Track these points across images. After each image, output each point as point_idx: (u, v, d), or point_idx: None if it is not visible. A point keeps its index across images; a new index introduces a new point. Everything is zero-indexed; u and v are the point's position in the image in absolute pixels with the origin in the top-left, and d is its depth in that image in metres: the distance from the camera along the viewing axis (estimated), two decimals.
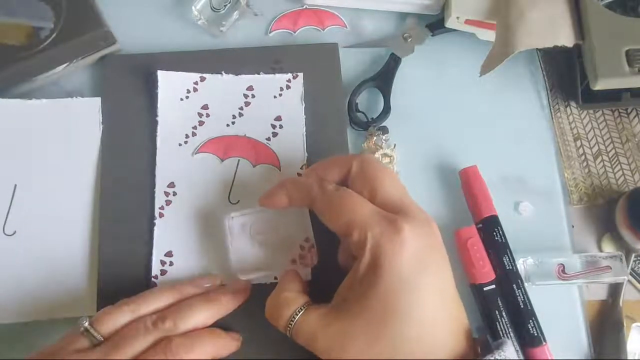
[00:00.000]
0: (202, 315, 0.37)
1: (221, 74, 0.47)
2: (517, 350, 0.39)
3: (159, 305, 0.38)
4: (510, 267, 0.41)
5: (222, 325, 0.39)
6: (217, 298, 0.38)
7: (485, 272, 0.40)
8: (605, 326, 0.43)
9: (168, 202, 0.44)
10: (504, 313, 0.40)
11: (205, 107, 0.46)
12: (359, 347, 0.32)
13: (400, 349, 0.32)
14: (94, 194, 0.44)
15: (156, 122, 0.45)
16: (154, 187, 0.44)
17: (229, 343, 0.38)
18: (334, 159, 0.39)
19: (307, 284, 0.38)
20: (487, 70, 0.44)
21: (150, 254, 0.42)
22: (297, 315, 0.35)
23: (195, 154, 0.45)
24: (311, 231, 0.42)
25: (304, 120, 0.46)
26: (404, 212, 0.34)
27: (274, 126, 0.46)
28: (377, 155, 0.45)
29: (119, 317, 0.36)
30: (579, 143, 0.48)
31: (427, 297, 0.33)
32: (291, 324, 0.35)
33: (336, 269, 0.38)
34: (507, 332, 0.39)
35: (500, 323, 0.39)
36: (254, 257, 0.41)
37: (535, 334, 0.39)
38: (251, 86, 0.47)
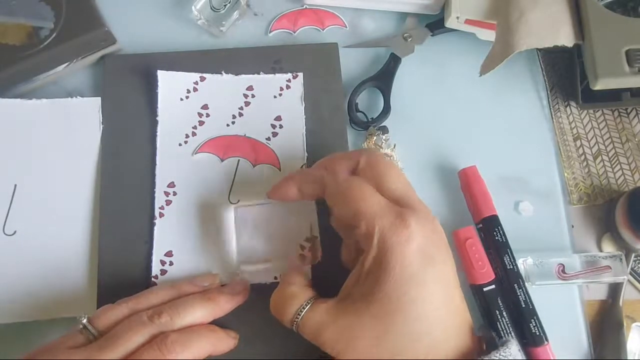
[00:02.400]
0: (199, 313, 0.37)
1: (221, 74, 0.47)
2: (519, 350, 0.39)
3: (157, 303, 0.38)
4: (511, 267, 0.41)
5: (220, 323, 0.39)
6: (214, 297, 0.38)
7: (485, 273, 0.40)
8: (605, 326, 0.43)
9: (168, 202, 0.44)
10: (504, 313, 0.40)
11: (205, 107, 0.46)
12: (366, 342, 0.32)
13: (406, 344, 0.32)
14: (94, 194, 0.44)
15: (156, 122, 0.45)
16: (154, 187, 0.44)
17: (225, 340, 0.38)
18: (341, 153, 0.39)
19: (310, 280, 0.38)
20: (487, 70, 0.44)
21: (150, 254, 0.42)
22: (303, 309, 0.35)
23: (195, 153, 0.45)
24: (317, 228, 0.42)
25: (304, 120, 0.46)
26: (409, 206, 0.34)
27: (274, 126, 0.46)
28: None
29: (117, 313, 0.36)
30: (579, 143, 0.48)
31: (433, 292, 0.33)
32: (297, 319, 0.35)
33: (338, 267, 0.38)
34: (508, 332, 0.39)
35: (501, 323, 0.39)
36: (258, 249, 0.41)
37: (538, 334, 0.39)
38: (251, 86, 0.47)
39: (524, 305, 0.40)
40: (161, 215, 0.43)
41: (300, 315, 0.35)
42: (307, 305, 0.35)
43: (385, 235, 0.33)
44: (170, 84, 0.46)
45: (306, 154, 0.45)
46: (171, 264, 0.42)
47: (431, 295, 0.33)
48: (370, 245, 0.33)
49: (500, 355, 0.32)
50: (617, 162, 0.47)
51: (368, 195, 0.34)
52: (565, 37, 0.43)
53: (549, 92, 0.49)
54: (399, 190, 0.35)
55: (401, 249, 0.32)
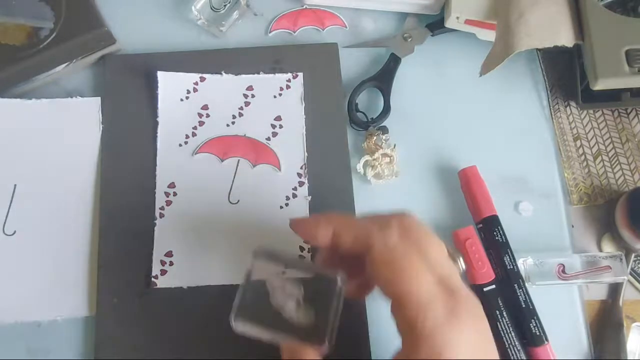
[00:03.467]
0: None
1: (221, 74, 0.47)
2: (518, 350, 0.39)
3: None
4: (511, 267, 0.41)
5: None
6: None
7: (485, 273, 0.40)
8: (605, 326, 0.43)
9: (168, 202, 0.44)
10: (504, 313, 0.40)
11: (205, 107, 0.46)
12: None
13: None
14: (94, 194, 0.44)
15: (156, 123, 0.45)
16: (154, 188, 0.44)
17: None
18: (369, 216, 0.33)
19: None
20: (487, 70, 0.44)
21: (150, 254, 0.42)
22: None
23: (195, 154, 0.45)
24: (338, 318, 0.33)
25: (304, 120, 0.46)
26: (456, 290, 0.30)
27: (273, 126, 0.46)
28: (377, 155, 0.45)
29: None
30: (578, 143, 0.48)
31: None
32: None
33: None
34: (509, 332, 0.39)
35: (502, 323, 0.39)
36: (258, 313, 0.33)
37: (538, 333, 0.39)
38: (251, 86, 0.47)
39: (524, 305, 0.40)
40: (161, 215, 0.43)
41: None
42: None
43: (438, 328, 0.29)
44: (170, 85, 0.46)
45: (306, 154, 0.45)
46: (171, 264, 0.42)
47: None
48: (418, 334, 0.29)
49: None
50: (617, 162, 0.47)
51: (420, 272, 0.30)
52: (565, 37, 0.43)
53: (549, 92, 0.49)
54: (443, 268, 0.31)
55: (454, 344, 0.29)
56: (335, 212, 0.36)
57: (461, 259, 0.31)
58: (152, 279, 0.42)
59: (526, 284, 0.41)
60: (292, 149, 0.45)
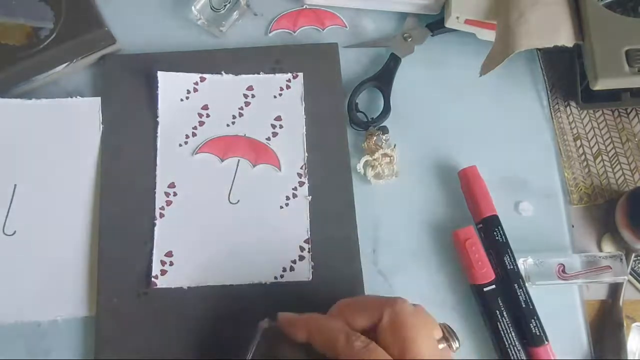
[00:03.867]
0: None
1: (221, 74, 0.47)
2: (518, 350, 0.39)
3: None
4: (511, 267, 0.41)
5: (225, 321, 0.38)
6: None
7: (485, 273, 0.40)
8: (605, 326, 0.43)
9: (168, 202, 0.44)
10: (505, 313, 0.40)
11: (205, 107, 0.46)
12: None
13: None
14: (94, 194, 0.44)
15: (156, 123, 0.45)
16: (155, 188, 0.44)
17: None
18: (364, 301, 0.35)
19: None
20: (487, 70, 0.44)
21: (151, 254, 0.42)
22: None
23: (196, 154, 0.45)
24: None
25: (304, 120, 0.46)
26: None
27: (274, 126, 0.46)
28: (377, 155, 0.45)
29: None
30: (578, 143, 0.48)
31: None
32: None
33: (335, 270, 0.38)
34: (509, 332, 0.39)
35: (502, 323, 0.39)
36: None
37: (538, 333, 0.39)
38: (251, 86, 0.47)
39: (524, 305, 0.40)
40: (161, 215, 0.43)
41: None
42: None
43: None
44: (171, 85, 0.46)
45: (306, 154, 0.45)
46: (171, 264, 0.42)
47: None
48: None
49: None
50: (617, 162, 0.47)
51: None
52: (565, 37, 0.43)
53: (549, 92, 0.49)
54: (426, 354, 0.32)
55: None
56: (317, 317, 0.35)
57: (457, 341, 0.34)
58: (152, 279, 0.42)
59: (526, 284, 0.41)
60: (292, 149, 0.45)
